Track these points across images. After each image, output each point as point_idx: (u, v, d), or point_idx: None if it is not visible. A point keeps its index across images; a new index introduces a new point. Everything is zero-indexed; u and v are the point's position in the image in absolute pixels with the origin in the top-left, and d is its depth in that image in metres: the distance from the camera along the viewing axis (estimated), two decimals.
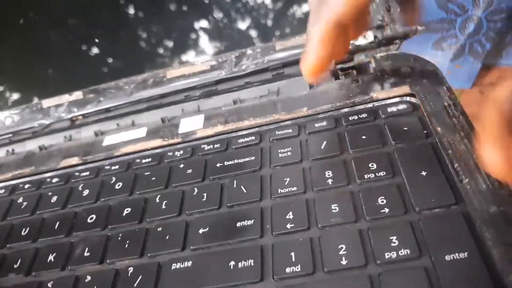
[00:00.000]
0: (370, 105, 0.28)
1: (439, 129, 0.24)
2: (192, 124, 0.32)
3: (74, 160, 0.33)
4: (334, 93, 0.29)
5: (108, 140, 0.34)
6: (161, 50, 0.40)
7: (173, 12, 0.40)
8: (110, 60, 0.41)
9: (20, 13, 0.42)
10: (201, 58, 0.38)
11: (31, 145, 0.37)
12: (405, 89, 0.27)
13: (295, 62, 0.35)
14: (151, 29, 0.40)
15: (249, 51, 0.36)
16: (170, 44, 0.40)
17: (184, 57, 0.40)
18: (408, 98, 0.27)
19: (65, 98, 0.40)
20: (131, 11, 0.41)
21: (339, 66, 0.31)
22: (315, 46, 0.23)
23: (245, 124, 0.30)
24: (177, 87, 0.37)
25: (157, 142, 0.31)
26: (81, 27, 0.42)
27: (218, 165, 0.27)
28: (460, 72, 0.71)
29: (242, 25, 0.39)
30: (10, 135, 0.39)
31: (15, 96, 0.44)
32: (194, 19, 0.40)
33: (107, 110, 0.38)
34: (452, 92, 0.26)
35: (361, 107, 0.28)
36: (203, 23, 0.40)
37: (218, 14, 0.39)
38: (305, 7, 0.38)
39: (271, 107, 0.31)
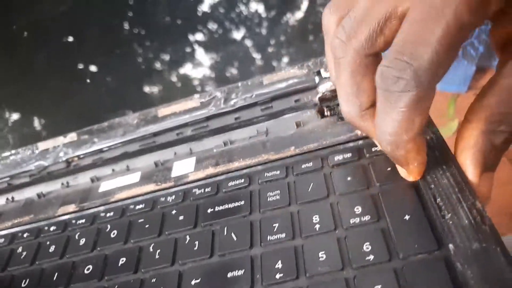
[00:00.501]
0: (355, 143, 0.28)
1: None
2: (184, 167, 0.32)
3: (71, 208, 0.34)
4: (320, 131, 0.30)
5: (104, 186, 0.34)
6: (151, 88, 0.41)
7: (161, 47, 0.41)
8: (102, 99, 0.42)
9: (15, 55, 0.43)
10: (191, 94, 0.39)
11: (30, 192, 0.37)
12: None
13: (283, 95, 0.35)
14: (140, 67, 0.41)
15: (237, 87, 0.37)
16: (159, 81, 0.41)
17: (174, 94, 0.40)
18: None
19: (60, 140, 0.40)
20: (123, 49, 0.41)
21: (325, 104, 0.32)
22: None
23: (235, 165, 0.30)
24: (169, 124, 0.38)
25: (151, 187, 0.32)
26: (74, 65, 0.43)
27: (209, 210, 0.28)
28: (455, 76, 0.72)
29: (230, 60, 0.40)
30: (8, 178, 0.40)
31: (10, 138, 0.44)
32: (181, 56, 0.40)
33: (101, 151, 0.38)
34: (433, 124, 0.26)
35: (347, 145, 0.28)
36: (192, 59, 0.41)
37: (206, 50, 0.40)
38: (288, 41, 0.39)
39: (260, 147, 0.31)
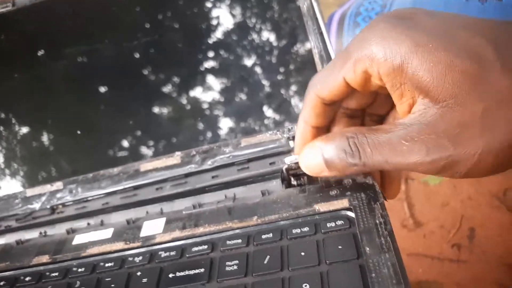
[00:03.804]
0: (313, 217, 0.30)
1: (368, 249, 0.26)
2: (153, 227, 0.34)
3: (45, 258, 0.35)
4: (282, 202, 0.32)
5: (77, 239, 0.36)
6: (135, 144, 0.43)
7: (144, 108, 0.43)
8: (88, 152, 0.44)
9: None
10: (172, 151, 0.41)
11: (10, 239, 0.39)
12: (345, 202, 0.29)
13: (259, 158, 0.37)
14: (127, 123, 0.43)
15: (216, 147, 0.39)
16: (143, 137, 0.43)
17: (156, 150, 0.42)
18: (347, 213, 0.29)
19: (47, 188, 0.42)
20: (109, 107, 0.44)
21: (292, 172, 0.34)
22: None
23: (200, 231, 0.32)
24: (150, 179, 0.39)
25: (120, 245, 0.33)
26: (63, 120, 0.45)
27: (170, 275, 0.29)
28: None
29: (211, 121, 0.42)
30: None
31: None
32: (163, 115, 0.42)
33: (85, 200, 0.40)
34: (384, 208, 0.28)
35: (305, 219, 0.30)
36: (173, 118, 0.43)
37: (186, 112, 0.42)
38: (267, 106, 0.41)
39: (226, 214, 0.33)
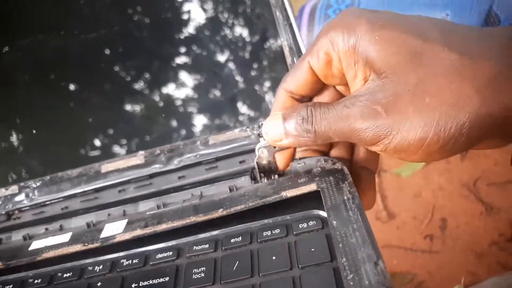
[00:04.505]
0: (284, 218, 0.28)
1: (334, 222, 0.24)
2: (114, 229, 0.32)
3: None
4: (250, 195, 0.30)
5: (34, 245, 0.33)
6: (95, 143, 0.40)
7: (107, 103, 0.41)
8: (46, 153, 0.41)
9: None
10: (136, 151, 0.38)
11: None
12: (312, 186, 0.28)
13: (228, 156, 0.35)
14: (86, 121, 0.41)
15: (182, 145, 0.37)
16: (104, 137, 0.40)
17: (118, 150, 0.40)
18: (319, 212, 0.27)
19: (1, 192, 0.40)
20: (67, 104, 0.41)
21: (263, 170, 0.32)
22: None
23: (162, 227, 0.30)
24: (112, 181, 0.37)
25: (78, 247, 0.31)
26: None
27: (133, 285, 0.27)
28: None
29: (177, 119, 0.40)
30: None
31: None
32: (129, 110, 0.40)
33: (43, 205, 0.38)
34: (352, 185, 0.27)
35: (276, 220, 0.28)
36: (140, 115, 0.40)
37: (152, 110, 0.40)
38: (238, 102, 0.39)
39: (191, 210, 0.31)
